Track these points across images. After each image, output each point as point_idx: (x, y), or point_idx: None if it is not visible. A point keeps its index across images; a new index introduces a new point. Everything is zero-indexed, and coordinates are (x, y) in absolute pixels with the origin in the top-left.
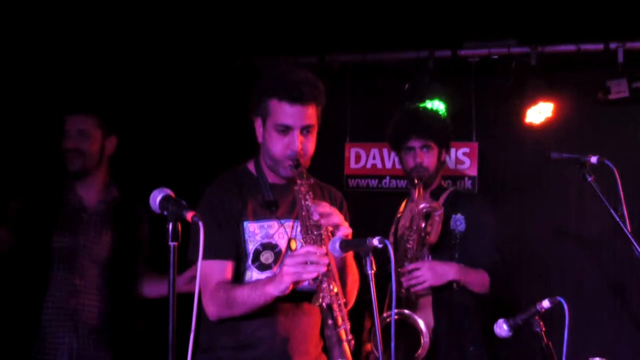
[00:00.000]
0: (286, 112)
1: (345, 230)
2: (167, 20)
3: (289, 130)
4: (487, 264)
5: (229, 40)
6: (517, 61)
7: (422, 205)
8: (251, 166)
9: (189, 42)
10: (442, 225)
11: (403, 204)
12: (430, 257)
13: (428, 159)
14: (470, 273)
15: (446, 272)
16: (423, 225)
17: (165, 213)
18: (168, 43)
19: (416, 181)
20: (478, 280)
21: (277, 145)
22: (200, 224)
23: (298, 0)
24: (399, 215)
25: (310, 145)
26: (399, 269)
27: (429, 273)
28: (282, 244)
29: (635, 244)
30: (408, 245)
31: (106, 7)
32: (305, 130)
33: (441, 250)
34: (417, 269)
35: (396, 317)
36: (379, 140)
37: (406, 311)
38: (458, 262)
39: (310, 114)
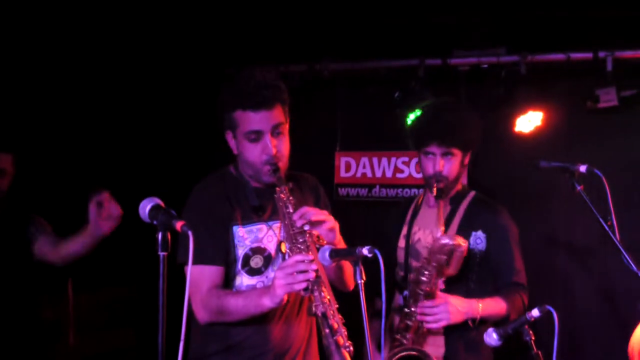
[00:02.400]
0: (252, 119)
1: (330, 224)
2: (158, 28)
3: (261, 136)
4: (508, 288)
5: (219, 48)
6: (506, 70)
7: (444, 242)
8: (233, 169)
9: (179, 50)
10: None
11: (415, 203)
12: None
13: (449, 166)
14: (488, 307)
15: (465, 311)
16: (444, 259)
17: (155, 222)
18: (159, 51)
19: (435, 192)
20: (495, 312)
21: (253, 153)
22: (190, 234)
23: (288, 8)
24: (408, 217)
25: (285, 146)
26: (410, 298)
27: (447, 314)
28: (272, 248)
29: (624, 253)
30: (423, 279)
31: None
32: (275, 130)
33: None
34: (434, 306)
35: (414, 353)
36: (369, 149)
37: (426, 351)
38: (474, 283)
39: (277, 114)
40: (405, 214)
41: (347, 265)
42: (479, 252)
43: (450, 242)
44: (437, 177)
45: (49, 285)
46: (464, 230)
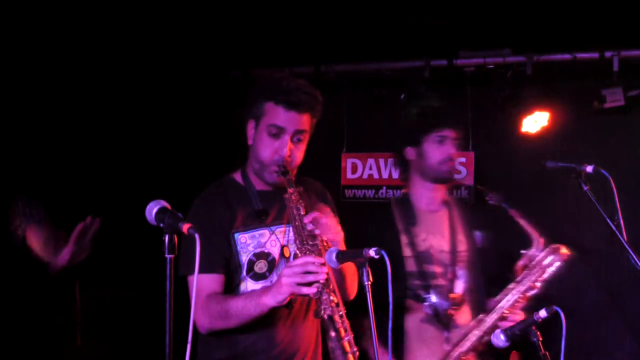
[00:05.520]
0: (280, 115)
1: (338, 234)
2: (164, 31)
3: (281, 134)
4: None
5: (225, 51)
6: (512, 70)
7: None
8: (237, 176)
9: (185, 53)
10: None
11: (400, 207)
12: None
13: (456, 154)
14: None
15: None
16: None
17: (162, 225)
18: (165, 54)
19: (448, 177)
20: None
21: (266, 149)
22: (197, 236)
23: (294, 11)
24: (400, 224)
25: (299, 155)
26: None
27: None
28: (275, 252)
29: (631, 253)
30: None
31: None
32: (296, 136)
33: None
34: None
35: None
36: (376, 151)
37: None
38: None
39: (305, 121)
40: (393, 221)
41: (349, 273)
42: (478, 250)
43: (561, 259)
44: (449, 162)
45: (60, 287)
46: (468, 231)
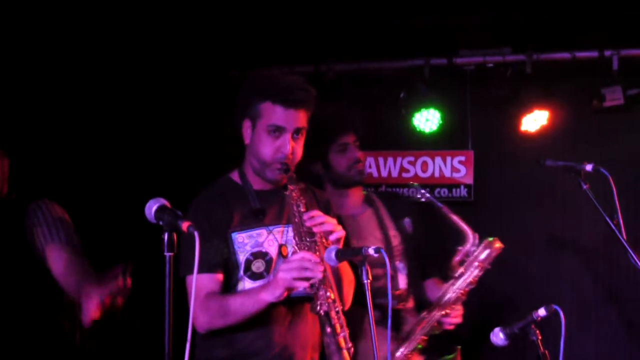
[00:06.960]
0: (279, 115)
1: (339, 234)
2: (163, 30)
3: (281, 133)
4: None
5: (224, 50)
6: (512, 69)
7: (493, 253)
8: (235, 176)
9: (184, 51)
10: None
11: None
12: None
13: (362, 155)
14: None
15: None
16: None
17: (161, 223)
18: (164, 53)
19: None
20: None
21: (267, 148)
22: (196, 234)
23: (293, 9)
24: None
25: (300, 150)
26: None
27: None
28: (273, 252)
29: (631, 252)
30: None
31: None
32: (296, 133)
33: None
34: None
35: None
36: (375, 149)
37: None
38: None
39: (302, 118)
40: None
41: (346, 281)
42: (409, 236)
43: (495, 253)
44: (357, 165)
45: (58, 286)
46: (397, 223)
